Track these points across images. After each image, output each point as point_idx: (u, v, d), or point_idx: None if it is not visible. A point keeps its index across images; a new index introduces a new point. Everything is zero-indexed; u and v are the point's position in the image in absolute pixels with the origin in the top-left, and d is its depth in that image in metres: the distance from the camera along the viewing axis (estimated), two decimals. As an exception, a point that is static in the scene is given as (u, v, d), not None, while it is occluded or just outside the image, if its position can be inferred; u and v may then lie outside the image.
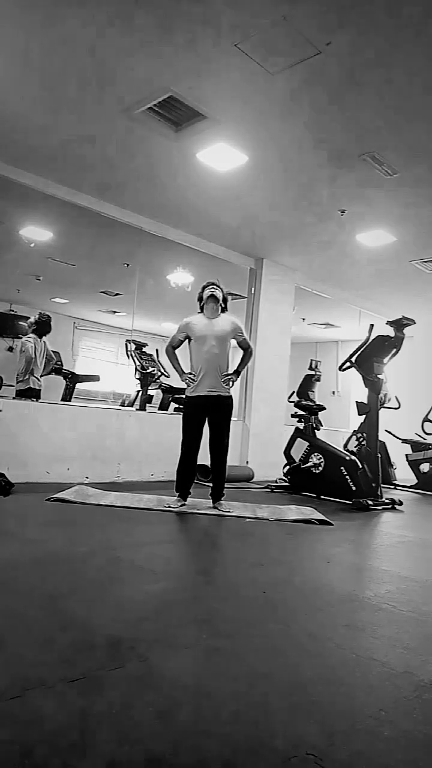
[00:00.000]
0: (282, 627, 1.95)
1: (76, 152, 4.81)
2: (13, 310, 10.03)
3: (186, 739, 1.20)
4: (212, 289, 4.32)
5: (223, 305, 4.38)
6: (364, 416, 5.82)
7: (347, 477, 5.35)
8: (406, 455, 7.84)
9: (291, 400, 6.68)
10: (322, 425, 6.56)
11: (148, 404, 7.58)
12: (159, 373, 7.36)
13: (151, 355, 7.47)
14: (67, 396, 7.41)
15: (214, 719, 1.29)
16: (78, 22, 3.20)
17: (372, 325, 5.64)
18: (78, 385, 7.62)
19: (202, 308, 4.39)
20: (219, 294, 4.32)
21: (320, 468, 5.64)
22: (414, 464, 7.70)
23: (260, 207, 5.70)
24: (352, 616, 2.12)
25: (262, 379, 7.30)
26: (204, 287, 4.39)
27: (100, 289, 9.43)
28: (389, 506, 5.38)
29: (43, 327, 6.03)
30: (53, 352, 6.26)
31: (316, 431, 6.08)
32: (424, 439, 8.00)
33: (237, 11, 3.02)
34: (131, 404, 7.88)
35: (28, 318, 6.21)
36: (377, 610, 2.20)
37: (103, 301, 10.00)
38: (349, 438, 6.48)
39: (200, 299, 4.40)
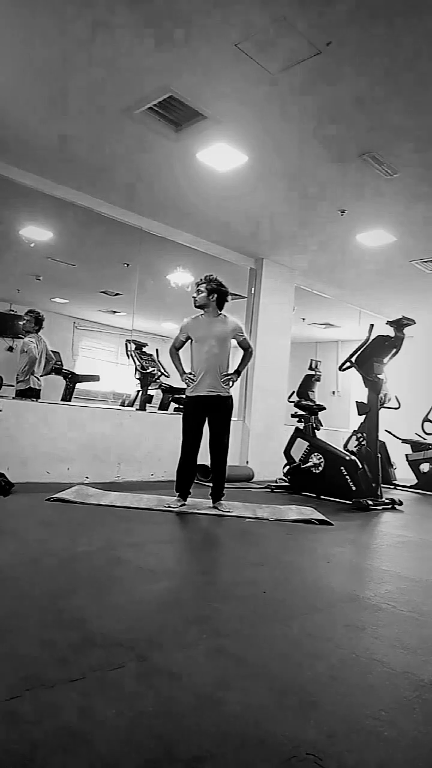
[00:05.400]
0: (282, 627, 1.95)
1: (76, 152, 4.81)
2: (13, 310, 10.03)
3: (185, 738, 1.20)
4: (193, 295, 4.31)
5: (214, 300, 4.24)
6: (364, 416, 5.82)
7: (347, 477, 5.34)
8: (406, 455, 7.84)
9: (291, 400, 6.68)
10: (322, 425, 6.56)
11: (148, 404, 7.58)
12: (159, 373, 7.36)
13: (151, 355, 7.47)
14: (67, 396, 7.41)
15: (213, 719, 1.29)
16: (78, 23, 3.20)
17: (372, 325, 5.64)
18: (78, 385, 7.61)
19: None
20: (200, 297, 4.25)
21: (320, 468, 5.64)
22: (414, 464, 7.70)
23: (260, 207, 5.69)
24: (352, 616, 2.12)
25: (262, 379, 7.29)
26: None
27: (100, 289, 9.43)
28: (389, 506, 5.38)
29: (38, 323, 6.00)
30: (53, 352, 6.25)
31: (316, 431, 6.08)
32: (424, 439, 7.99)
33: (237, 11, 3.02)
34: (131, 404, 7.88)
35: (23, 317, 6.17)
36: (377, 610, 2.20)
37: (103, 301, 10.00)
38: (349, 438, 6.47)
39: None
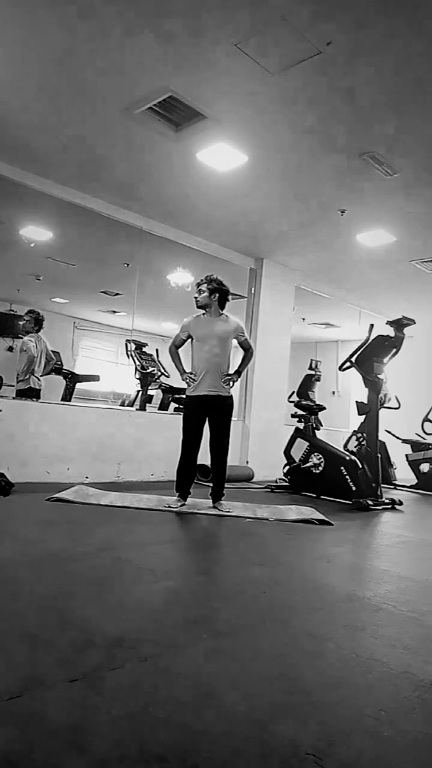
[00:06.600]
0: (282, 627, 1.95)
1: (76, 152, 4.81)
2: (13, 310, 10.03)
3: (185, 739, 1.20)
4: (195, 295, 4.32)
5: (216, 299, 4.25)
6: (364, 416, 5.82)
7: (347, 477, 5.34)
8: (406, 455, 7.84)
9: (291, 400, 6.68)
10: (322, 425, 6.56)
11: (148, 404, 7.58)
12: (159, 373, 7.37)
13: (151, 355, 7.47)
14: (67, 396, 7.41)
15: (213, 719, 1.29)
16: (77, 22, 3.20)
17: (372, 325, 5.64)
18: (78, 385, 7.61)
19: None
20: (202, 297, 4.26)
21: (320, 468, 5.64)
22: (414, 464, 7.70)
23: (260, 207, 5.69)
24: (352, 616, 2.12)
25: (262, 379, 7.29)
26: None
27: (100, 289, 9.43)
28: (389, 506, 5.37)
29: (37, 324, 6.00)
30: (53, 352, 6.25)
31: (316, 431, 6.08)
32: (424, 439, 8.00)
33: (237, 11, 3.02)
34: (131, 404, 7.88)
35: (23, 317, 6.18)
36: (377, 610, 2.19)
37: (103, 301, 10.00)
38: (349, 438, 6.47)
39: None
